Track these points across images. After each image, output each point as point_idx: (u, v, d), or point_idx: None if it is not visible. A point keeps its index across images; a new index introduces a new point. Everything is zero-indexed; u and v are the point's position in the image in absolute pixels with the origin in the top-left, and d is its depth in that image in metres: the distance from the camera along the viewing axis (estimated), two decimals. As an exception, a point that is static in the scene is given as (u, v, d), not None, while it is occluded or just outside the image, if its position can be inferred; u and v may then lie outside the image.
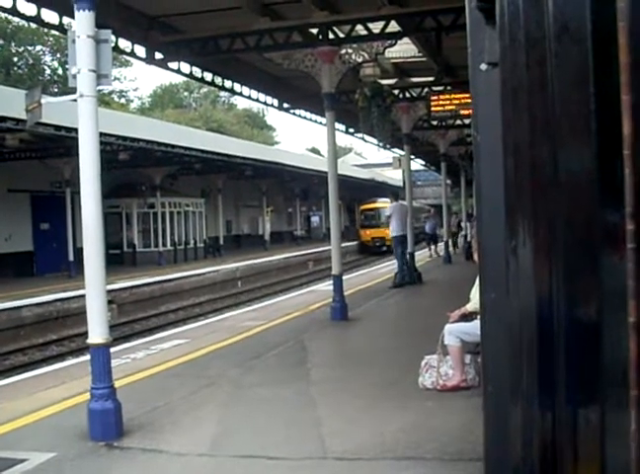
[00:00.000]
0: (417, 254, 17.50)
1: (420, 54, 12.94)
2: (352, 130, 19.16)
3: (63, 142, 17.09)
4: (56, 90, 38.27)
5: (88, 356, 5.35)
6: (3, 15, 26.55)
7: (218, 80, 13.04)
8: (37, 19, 8.62)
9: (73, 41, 4.75)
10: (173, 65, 11.12)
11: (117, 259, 24.64)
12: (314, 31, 10.04)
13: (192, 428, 5.09)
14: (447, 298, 9.08)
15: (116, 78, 44.92)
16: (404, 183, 19.89)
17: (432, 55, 12.65)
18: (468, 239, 23.54)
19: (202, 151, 23.14)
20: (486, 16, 1.85)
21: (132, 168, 24.05)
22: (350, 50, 10.42)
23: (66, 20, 8.61)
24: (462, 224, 29.55)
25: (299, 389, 6.08)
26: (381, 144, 19.70)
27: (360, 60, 10.73)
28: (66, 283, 17.78)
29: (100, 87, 4.86)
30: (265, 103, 15.39)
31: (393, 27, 9.84)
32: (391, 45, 10.60)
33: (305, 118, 17.02)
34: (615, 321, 1.34)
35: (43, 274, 22.12)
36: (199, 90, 63.24)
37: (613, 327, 1.36)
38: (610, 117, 1.32)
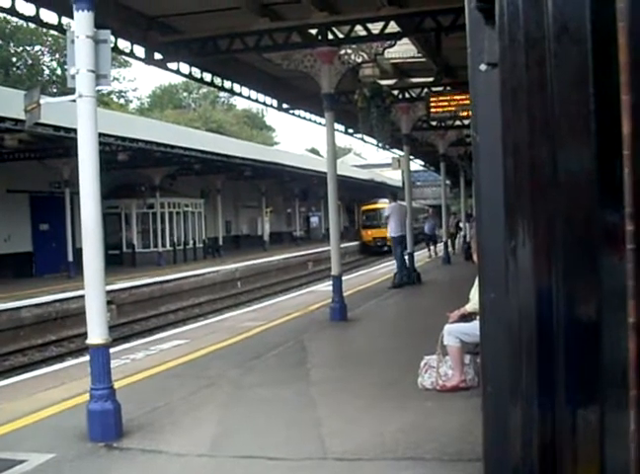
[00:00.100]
0: (416, 254, 17.49)
1: (419, 55, 12.95)
2: (351, 131, 19.17)
3: (62, 143, 17.09)
4: (55, 90, 38.26)
5: (87, 357, 5.34)
6: (2, 15, 26.57)
7: (218, 80, 13.03)
8: (35, 19, 8.62)
9: (72, 42, 4.75)
10: (172, 66, 11.12)
11: (116, 259, 24.64)
12: (313, 31, 10.04)
13: (191, 428, 5.09)
14: (447, 299, 9.09)
15: (115, 78, 44.95)
16: (403, 183, 19.89)
17: (431, 56, 12.65)
18: (467, 239, 23.56)
19: (202, 152, 23.14)
20: (485, 16, 1.85)
21: (132, 168, 24.04)
22: (349, 51, 10.42)
23: (65, 20, 8.60)
24: (461, 225, 29.53)
25: (299, 389, 6.08)
26: (381, 145, 19.69)
27: (359, 61, 10.74)
28: (65, 284, 17.78)
29: (99, 87, 4.86)
30: (264, 103, 15.40)
31: (392, 27, 9.84)
32: (391, 46, 10.61)
33: (305, 118, 17.02)
34: (615, 321, 1.34)
35: (43, 274, 22.11)
36: (198, 90, 63.23)
37: (613, 327, 1.36)
38: (610, 117, 1.32)
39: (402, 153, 20.06)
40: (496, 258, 1.80)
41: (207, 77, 12.67)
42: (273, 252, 31.72)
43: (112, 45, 6.59)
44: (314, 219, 49.05)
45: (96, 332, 4.80)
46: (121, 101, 50.61)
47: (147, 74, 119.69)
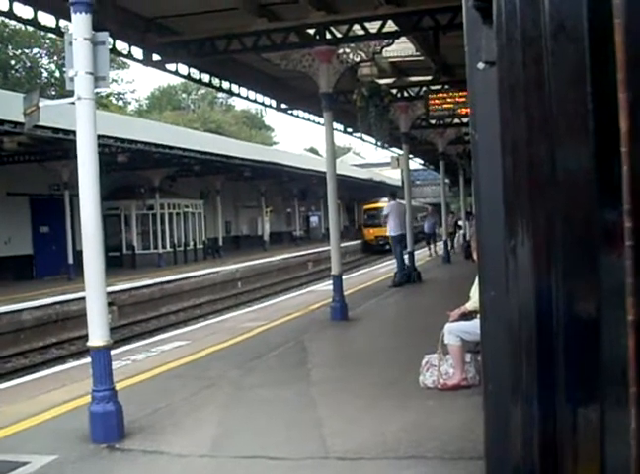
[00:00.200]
0: (416, 253, 17.50)
1: (417, 54, 12.94)
2: (350, 130, 19.17)
3: (61, 145, 17.10)
4: (54, 93, 38.20)
5: (88, 359, 5.34)
6: (0, 18, 26.54)
7: (216, 81, 13.04)
8: (33, 22, 8.62)
9: (70, 44, 4.75)
10: (170, 67, 11.13)
11: (116, 261, 24.65)
12: (311, 31, 10.04)
13: (193, 429, 5.09)
14: (447, 297, 9.09)
15: (113, 80, 44.85)
16: (403, 182, 19.90)
17: (429, 54, 12.66)
18: (467, 238, 23.55)
19: (201, 152, 23.14)
20: (483, 15, 1.85)
21: (131, 170, 24.06)
22: (347, 50, 10.42)
23: (63, 22, 8.60)
24: (460, 223, 29.50)
25: (300, 390, 6.08)
26: (380, 144, 19.69)
27: (357, 60, 10.73)
28: (66, 286, 17.78)
29: (97, 89, 4.86)
30: (263, 103, 15.40)
31: (390, 26, 9.84)
32: (389, 45, 10.61)
33: (303, 118, 17.02)
34: (614, 319, 1.34)
35: (43, 277, 22.10)
36: (196, 91, 63.23)
37: (612, 325, 1.36)
38: (608, 114, 1.32)
39: (401, 152, 20.09)
40: (496, 256, 1.80)
41: (206, 78, 12.68)
42: (273, 252, 31.72)
43: (110, 47, 6.60)
44: (314, 219, 49.05)
45: (97, 334, 4.81)
46: (120, 102, 50.56)
47: (146, 76, 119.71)
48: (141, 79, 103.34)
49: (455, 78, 13.50)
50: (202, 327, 11.07)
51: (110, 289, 11.22)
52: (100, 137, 5.79)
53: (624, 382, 1.29)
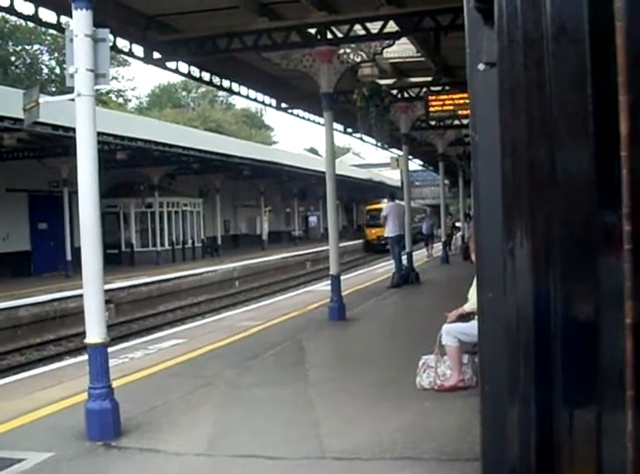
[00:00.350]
0: (414, 254, 17.50)
1: (418, 54, 12.94)
2: (350, 130, 19.17)
3: (61, 142, 17.07)
4: (54, 89, 38.19)
5: (85, 356, 5.34)
6: (0, 14, 26.51)
7: (216, 80, 13.03)
8: (34, 18, 8.61)
9: (71, 41, 4.75)
10: (171, 65, 11.11)
11: (114, 258, 24.62)
12: (312, 30, 10.04)
13: (189, 427, 5.09)
14: (445, 298, 9.09)
15: (113, 77, 44.81)
16: (402, 183, 19.90)
17: (430, 55, 12.65)
18: (465, 240, 23.55)
19: (201, 151, 23.13)
20: (484, 16, 1.85)
21: (130, 168, 24.04)
22: (348, 50, 10.42)
23: (64, 19, 8.60)
24: (457, 224, 29.51)
25: (297, 389, 6.08)
26: (379, 144, 19.71)
27: (358, 60, 10.73)
28: (64, 283, 17.76)
29: (97, 86, 4.86)
30: (263, 102, 15.40)
31: (391, 27, 9.84)
32: (389, 45, 10.61)
33: (303, 117, 17.02)
34: (612, 322, 1.34)
35: (41, 273, 22.09)
36: (197, 89, 63.19)
37: (610, 328, 1.36)
38: (608, 117, 1.32)
39: (401, 153, 20.07)
40: (494, 258, 1.80)
41: (206, 76, 12.66)
42: (271, 251, 31.72)
43: (110, 44, 6.60)
44: (313, 219, 49.05)
45: (94, 331, 4.80)
46: (120, 100, 50.55)
47: (146, 73, 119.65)
48: (142, 77, 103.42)
49: (456, 79, 13.50)
50: (200, 325, 11.06)
51: (107, 287, 11.21)
52: (99, 134, 5.79)
53: (621, 385, 1.29)
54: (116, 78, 46.17)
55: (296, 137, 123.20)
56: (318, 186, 32.75)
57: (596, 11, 1.39)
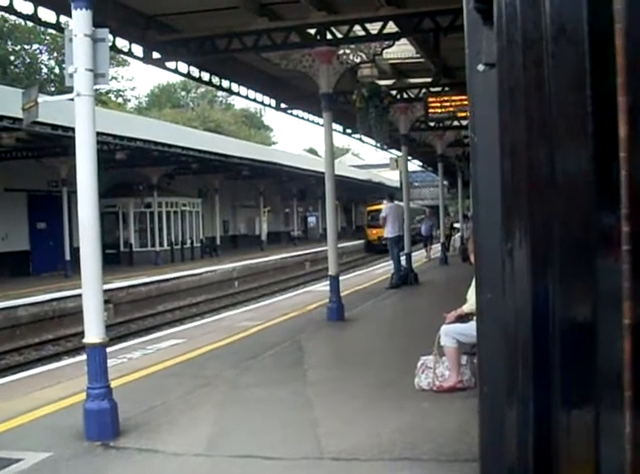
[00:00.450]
0: (413, 255, 17.51)
1: (418, 55, 12.94)
2: (349, 131, 19.17)
3: (60, 141, 17.05)
4: (53, 89, 38.18)
5: (84, 356, 5.33)
6: (0, 13, 26.48)
7: (216, 80, 13.03)
8: (33, 17, 8.61)
9: (70, 40, 4.74)
10: (170, 65, 11.11)
11: (113, 258, 24.62)
12: (312, 31, 10.04)
13: (188, 427, 5.09)
14: (444, 299, 9.10)
15: (113, 77, 44.77)
16: (401, 184, 19.91)
17: (429, 56, 12.66)
18: (464, 241, 23.55)
19: (200, 151, 23.13)
20: (483, 17, 1.85)
21: (129, 167, 24.04)
22: (347, 51, 10.42)
23: (63, 19, 8.59)
24: (456, 225, 29.50)
25: (296, 390, 6.08)
26: (379, 145, 19.71)
27: (357, 61, 10.74)
28: (62, 283, 17.75)
29: (97, 86, 4.85)
30: (262, 103, 15.39)
31: (391, 27, 9.84)
32: (389, 46, 10.61)
33: (303, 118, 17.01)
34: (610, 323, 1.34)
35: (40, 273, 22.08)
36: (196, 90, 63.19)
37: (608, 328, 1.36)
38: (607, 118, 1.32)
39: (400, 153, 20.08)
40: (493, 259, 1.80)
41: (206, 76, 12.66)
42: (270, 252, 31.71)
43: (110, 44, 6.60)
44: (312, 219, 49.05)
45: (93, 331, 4.80)
46: (120, 100, 50.53)
47: (145, 73, 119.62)
48: (141, 77, 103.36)
49: (455, 80, 13.50)
50: (199, 326, 11.06)
51: (106, 287, 11.21)
52: (99, 134, 5.79)
53: (620, 386, 1.29)
54: (115, 78, 46.16)
55: (296, 138, 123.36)
56: (317, 186, 32.79)
57: (595, 12, 1.40)
